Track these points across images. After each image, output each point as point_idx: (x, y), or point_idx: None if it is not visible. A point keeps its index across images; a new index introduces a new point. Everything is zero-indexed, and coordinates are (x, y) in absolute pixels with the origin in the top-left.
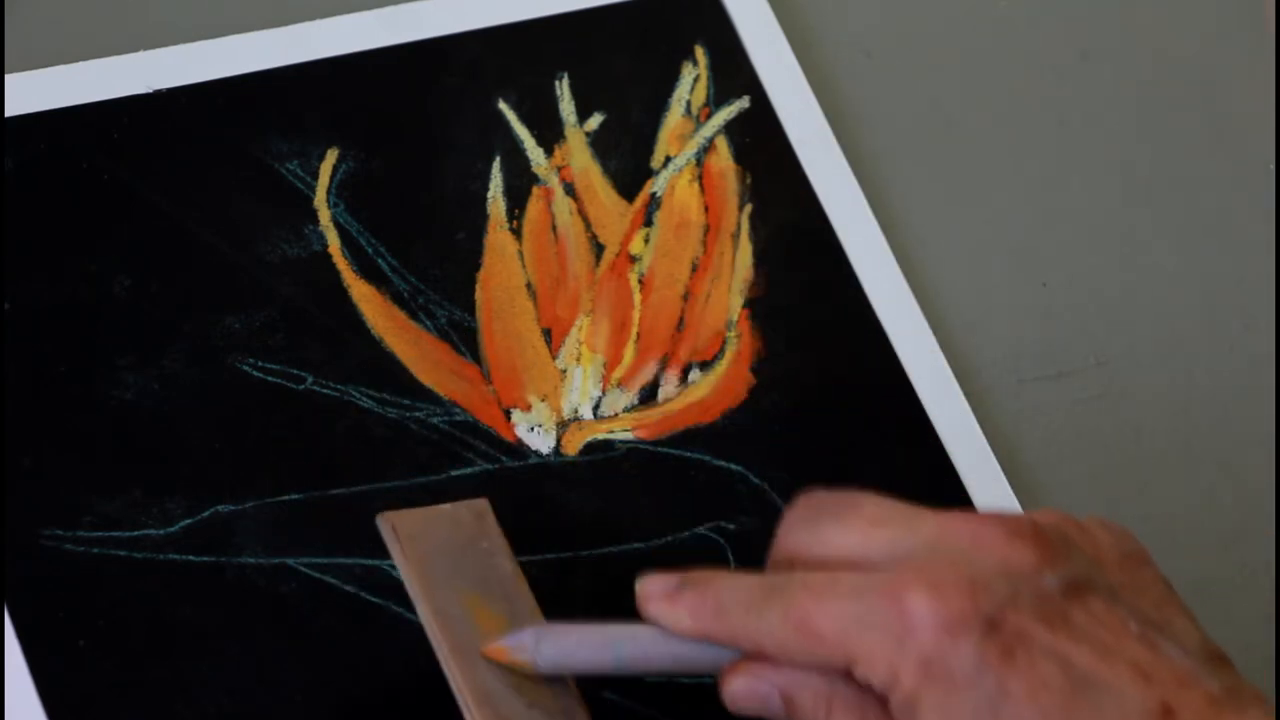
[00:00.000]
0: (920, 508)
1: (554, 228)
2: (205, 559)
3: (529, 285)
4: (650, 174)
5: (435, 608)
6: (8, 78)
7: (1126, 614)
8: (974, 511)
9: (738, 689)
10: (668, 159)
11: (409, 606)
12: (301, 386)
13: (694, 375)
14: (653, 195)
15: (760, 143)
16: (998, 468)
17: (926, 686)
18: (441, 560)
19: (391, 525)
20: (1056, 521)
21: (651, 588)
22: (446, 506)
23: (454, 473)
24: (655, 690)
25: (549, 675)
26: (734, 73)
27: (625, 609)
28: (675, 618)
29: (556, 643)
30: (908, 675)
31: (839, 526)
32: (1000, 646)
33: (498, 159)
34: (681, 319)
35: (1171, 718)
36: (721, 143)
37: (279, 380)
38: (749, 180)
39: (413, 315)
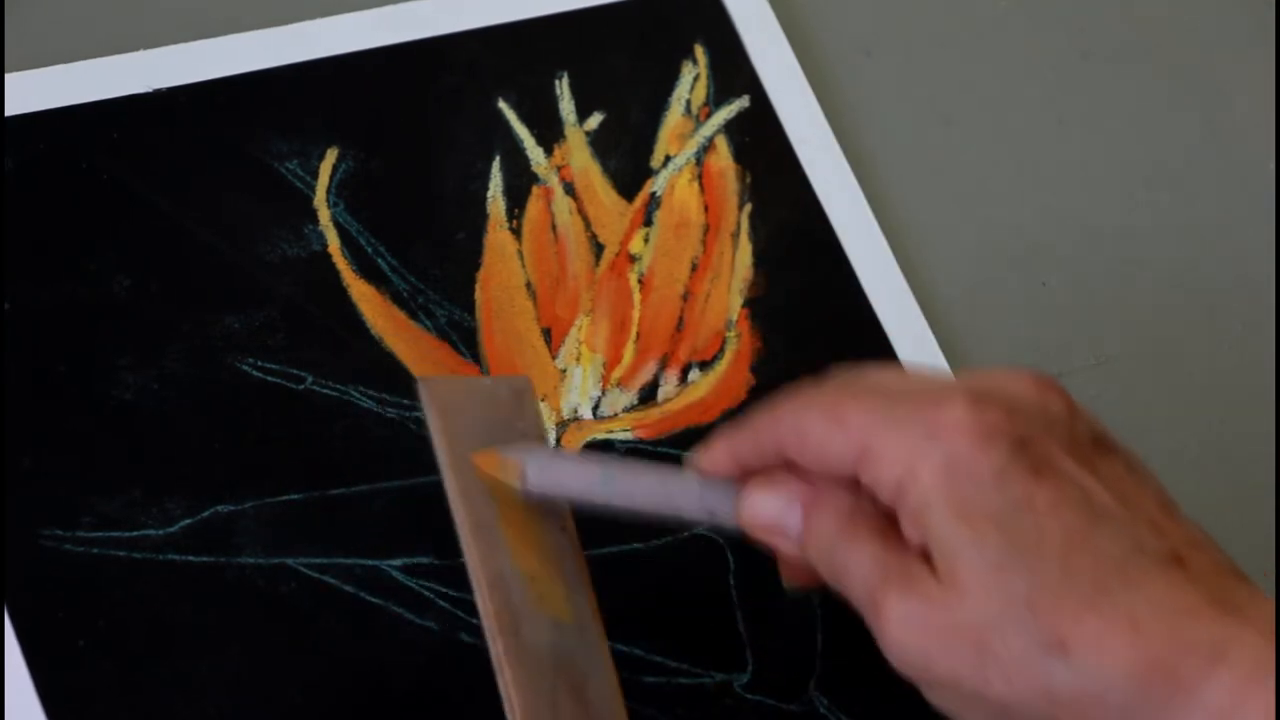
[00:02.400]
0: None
1: (554, 227)
2: (205, 559)
3: (529, 285)
4: (650, 173)
5: (461, 484)
6: (8, 78)
7: (1144, 479)
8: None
9: (758, 503)
10: (667, 158)
11: (409, 606)
12: (301, 386)
13: (694, 375)
14: (652, 195)
15: (760, 142)
16: None
17: (945, 484)
18: (474, 435)
19: (430, 392)
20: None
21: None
22: (487, 380)
23: None
24: (655, 690)
25: (540, 499)
26: (734, 72)
27: (626, 610)
28: (720, 448)
29: (550, 464)
30: (927, 472)
31: (884, 372)
32: (1029, 462)
33: (497, 159)
34: (681, 319)
35: (1181, 565)
36: (721, 142)
37: (279, 380)
38: (749, 180)
39: (413, 315)
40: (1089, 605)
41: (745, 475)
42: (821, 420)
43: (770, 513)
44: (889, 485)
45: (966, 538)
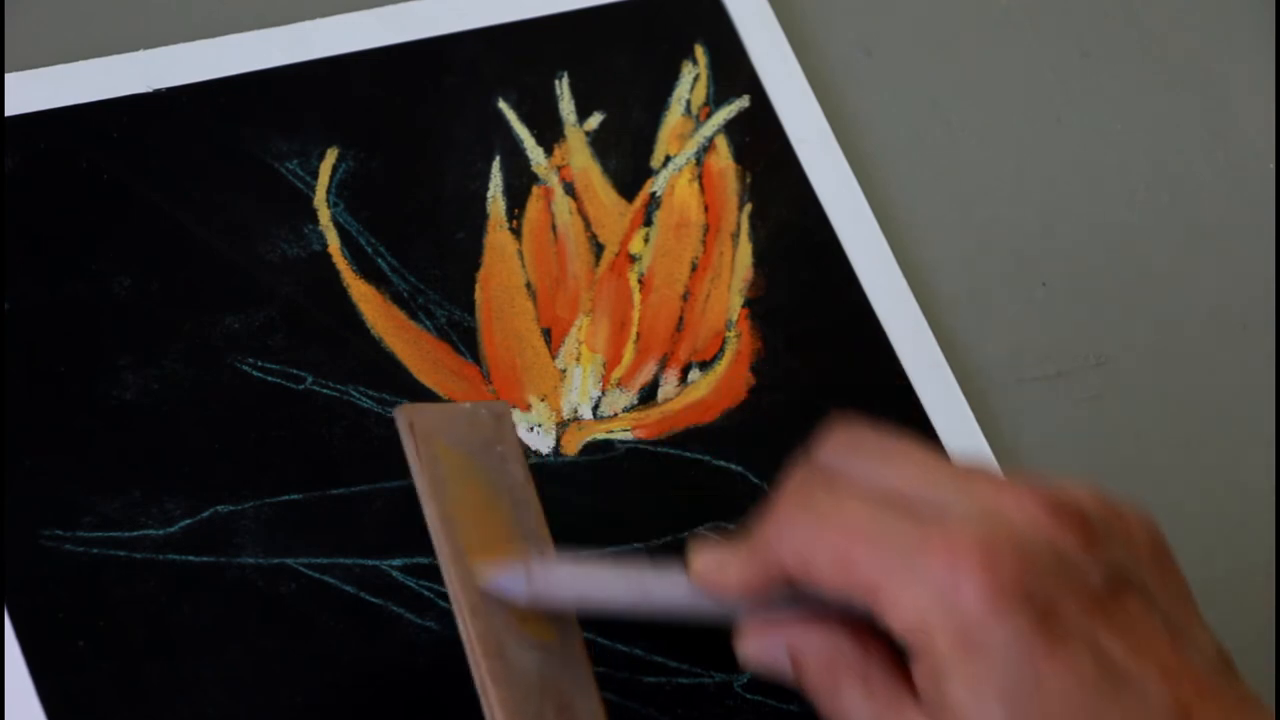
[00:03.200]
0: (966, 466)
1: (554, 227)
2: (205, 559)
3: (529, 285)
4: (650, 173)
5: (441, 512)
6: (8, 78)
7: (1158, 616)
8: (1019, 480)
9: (752, 649)
10: (668, 158)
11: (409, 606)
12: (301, 386)
13: (694, 375)
14: (652, 195)
15: (760, 142)
16: (998, 468)
17: (960, 653)
18: (454, 461)
19: (408, 420)
20: (1097, 506)
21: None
22: (466, 405)
23: None
24: (655, 690)
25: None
26: (734, 72)
27: None
28: (720, 569)
29: (548, 579)
30: (943, 640)
31: (886, 465)
32: (1044, 630)
33: (497, 158)
34: (681, 319)
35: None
36: (721, 142)
37: (279, 380)
38: (749, 180)
39: (412, 315)
40: None
41: (751, 593)
42: (829, 562)
43: (764, 660)
44: (900, 633)
45: (976, 708)
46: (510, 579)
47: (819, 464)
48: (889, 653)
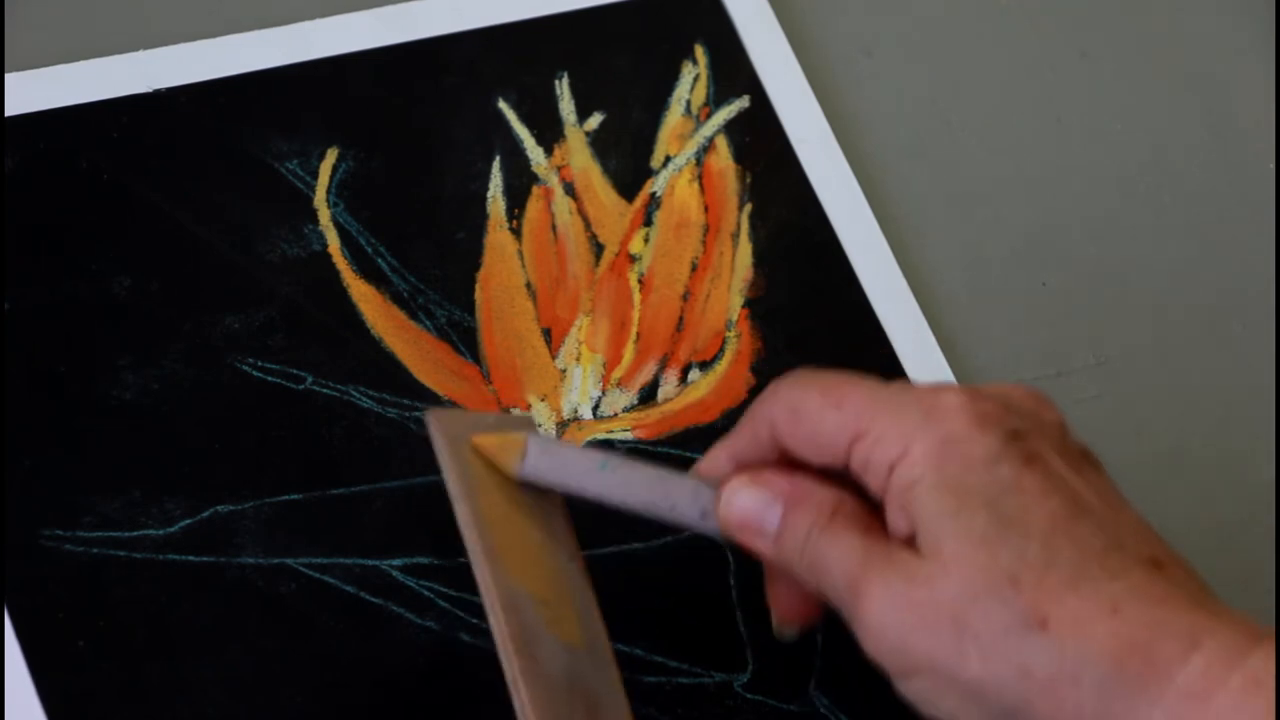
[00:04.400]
0: None
1: (554, 227)
2: (205, 559)
3: (529, 285)
4: (650, 173)
5: (473, 513)
6: (8, 78)
7: (1124, 498)
8: None
9: (738, 498)
10: (668, 158)
11: (409, 606)
12: (301, 386)
13: (694, 375)
14: (652, 195)
15: (760, 143)
16: None
17: (938, 460)
18: (482, 466)
19: (440, 424)
20: None
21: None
22: (492, 415)
23: None
24: (655, 690)
25: (536, 485)
26: (734, 73)
27: (626, 610)
28: (715, 449)
29: (549, 447)
30: (921, 448)
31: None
32: (1021, 451)
33: (498, 159)
34: (681, 319)
35: (1159, 567)
36: (721, 142)
37: (279, 380)
38: (749, 180)
39: (412, 315)
40: (1070, 586)
41: (740, 453)
42: (819, 399)
43: (749, 508)
44: (881, 466)
45: (953, 511)
46: (509, 445)
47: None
48: (878, 514)
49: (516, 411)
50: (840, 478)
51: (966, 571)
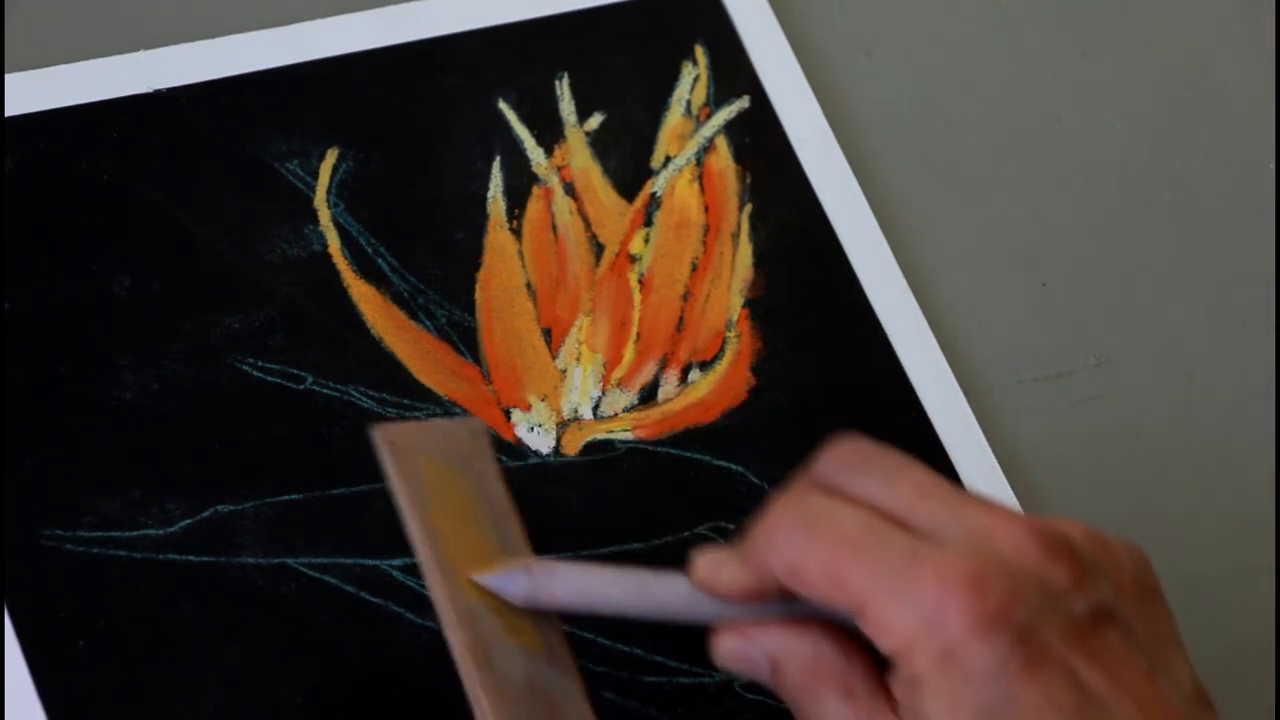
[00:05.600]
0: (963, 491)
1: (554, 227)
2: (205, 559)
3: (529, 285)
4: (650, 174)
5: (424, 526)
6: (8, 78)
7: (1138, 649)
8: (1012, 511)
9: (728, 650)
10: (668, 159)
11: (409, 606)
12: (301, 386)
13: (694, 375)
14: (653, 195)
15: (760, 143)
16: (998, 468)
17: (940, 672)
18: (434, 478)
19: (386, 438)
20: (1086, 540)
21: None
22: (444, 422)
23: None
24: (655, 690)
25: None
26: (734, 73)
27: None
28: (716, 569)
29: (549, 578)
30: (923, 657)
31: (884, 484)
32: (1024, 656)
33: (498, 159)
34: (681, 319)
35: None
36: (721, 143)
37: (279, 380)
38: (749, 180)
39: (413, 315)
40: None
41: (743, 594)
42: (819, 574)
43: (740, 661)
44: (886, 650)
45: None
46: (510, 577)
47: (817, 475)
48: (870, 663)
49: (516, 413)
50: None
51: None
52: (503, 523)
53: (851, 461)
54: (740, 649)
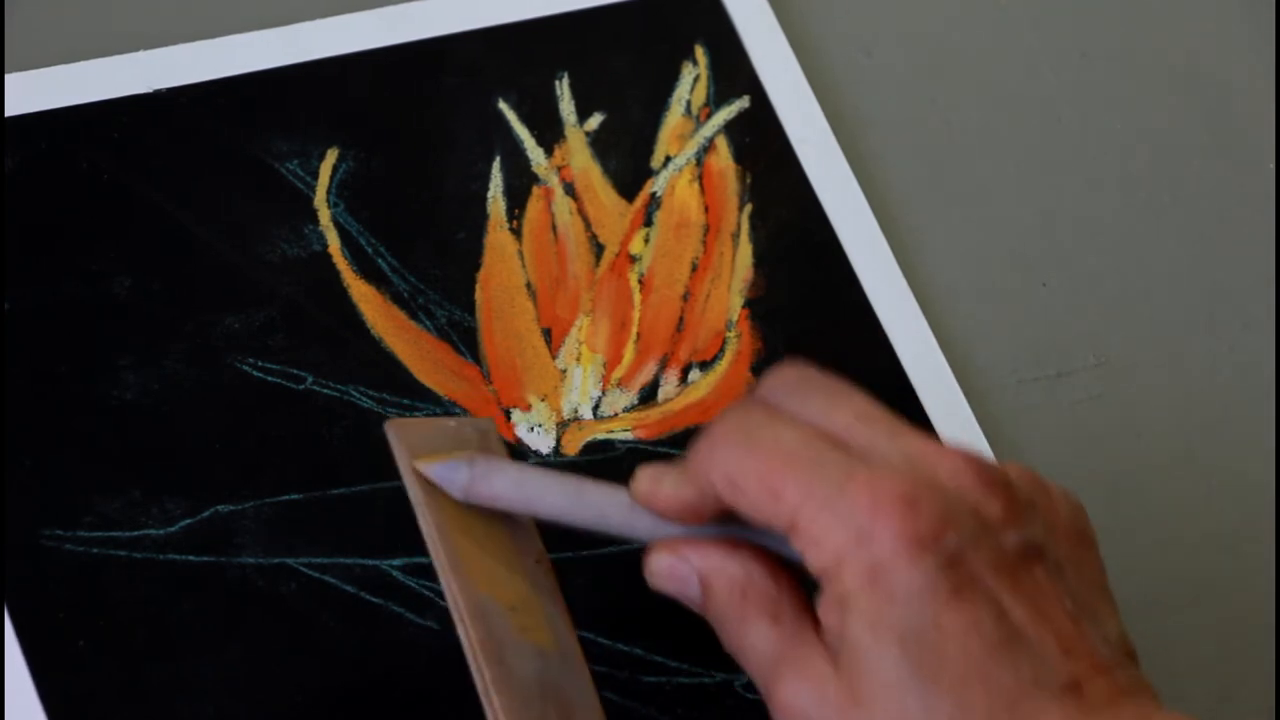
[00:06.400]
0: (903, 421)
1: (554, 228)
2: (205, 559)
3: (529, 285)
4: (650, 174)
5: (437, 522)
6: (8, 78)
7: (1064, 590)
8: (952, 444)
9: (660, 566)
10: (668, 159)
11: (409, 606)
12: (301, 386)
13: (694, 375)
14: (653, 195)
15: (760, 143)
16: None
17: (866, 590)
18: None
19: (399, 434)
20: (1024, 479)
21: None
22: (453, 421)
23: None
24: (655, 690)
25: (480, 506)
26: (734, 73)
27: (625, 610)
28: (656, 481)
29: (489, 475)
30: (851, 573)
31: (826, 406)
32: (950, 581)
33: (498, 159)
34: (681, 319)
35: (1078, 692)
36: (721, 143)
37: (279, 380)
38: (749, 180)
39: (413, 315)
40: None
41: (681, 509)
42: (756, 487)
43: (671, 579)
44: (814, 566)
45: (873, 650)
46: (452, 467)
47: (761, 396)
48: (799, 589)
49: (516, 413)
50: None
51: (875, 711)
52: (515, 518)
53: (796, 385)
54: (672, 565)
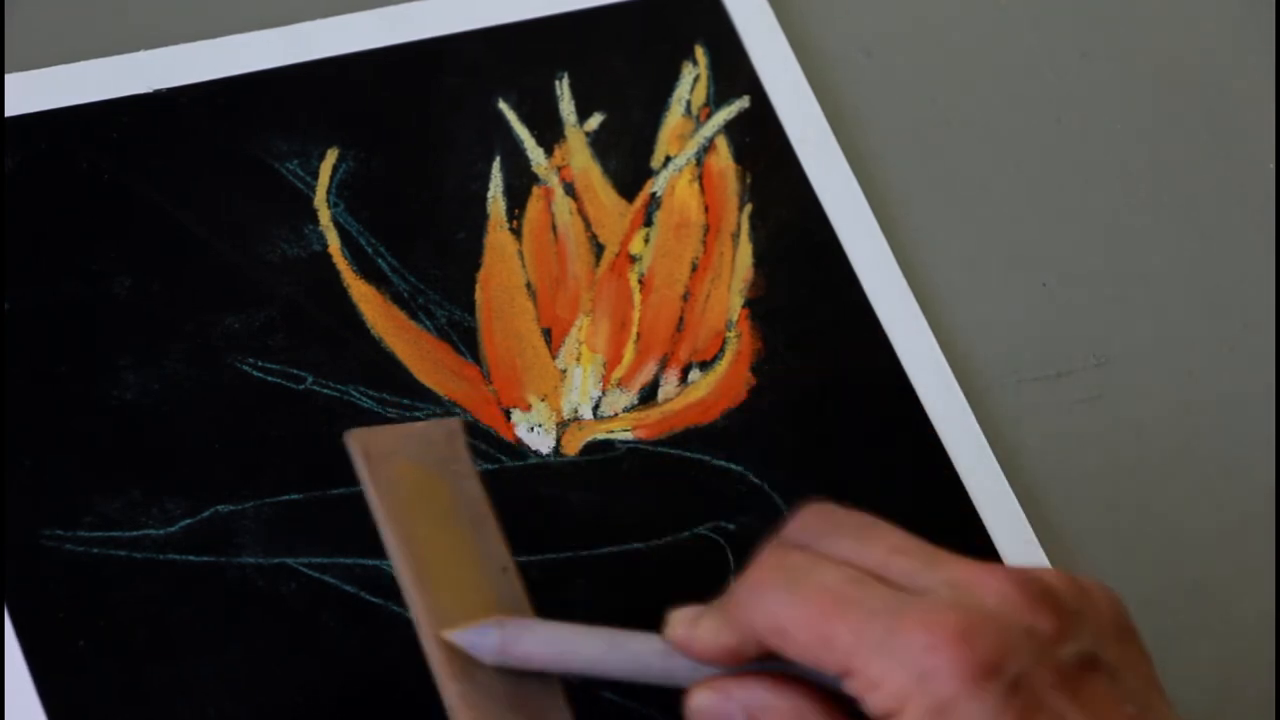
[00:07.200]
0: (938, 548)
1: (554, 228)
2: (205, 559)
3: (529, 285)
4: (650, 174)
5: (400, 536)
6: (8, 78)
7: (1124, 694)
8: (989, 563)
9: (703, 704)
10: (668, 159)
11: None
12: (301, 386)
13: (694, 375)
14: (653, 195)
15: (760, 143)
16: (998, 468)
17: None
18: (410, 482)
19: (360, 444)
20: (1066, 587)
21: (680, 613)
22: (419, 425)
23: None
24: (655, 690)
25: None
26: (734, 73)
27: (625, 609)
28: (694, 625)
29: (518, 643)
30: (915, 714)
31: (858, 542)
32: (1018, 707)
33: (498, 159)
34: (681, 319)
35: None
36: (721, 143)
37: (279, 380)
38: (749, 180)
39: (413, 315)
40: None
41: (721, 654)
42: (806, 635)
43: (714, 715)
44: (876, 710)
45: None
46: (481, 633)
47: (789, 539)
48: None
49: (516, 413)
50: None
51: None
52: (481, 525)
53: (822, 524)
54: (716, 705)
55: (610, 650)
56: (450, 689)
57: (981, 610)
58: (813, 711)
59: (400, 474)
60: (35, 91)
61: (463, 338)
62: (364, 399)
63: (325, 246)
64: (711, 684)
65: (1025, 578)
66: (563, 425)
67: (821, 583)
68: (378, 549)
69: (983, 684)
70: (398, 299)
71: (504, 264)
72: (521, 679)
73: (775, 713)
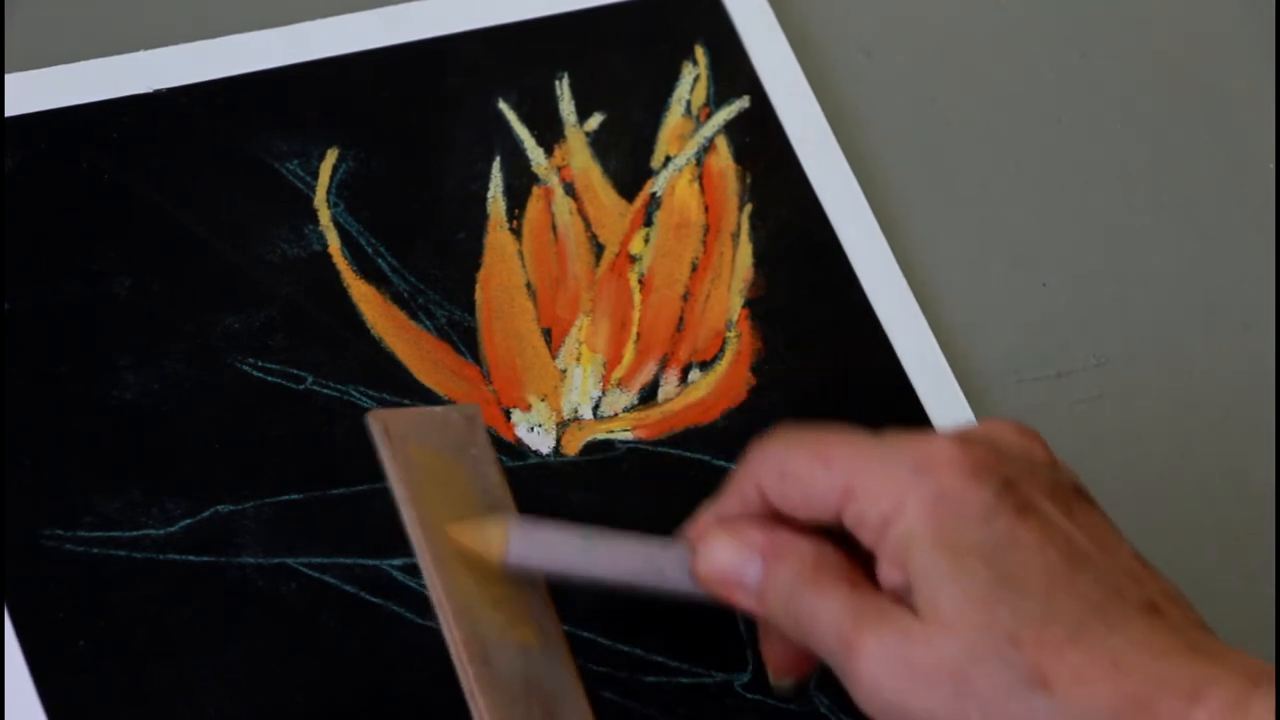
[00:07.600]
0: None
1: (554, 228)
2: (205, 559)
3: (529, 285)
4: (650, 174)
5: (419, 514)
6: (8, 78)
7: (1119, 533)
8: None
9: (715, 551)
10: (668, 159)
11: (409, 606)
12: (301, 386)
13: (694, 375)
14: (653, 195)
15: (760, 143)
16: None
17: (934, 519)
18: (429, 464)
19: (382, 424)
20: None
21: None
22: (438, 409)
23: None
24: (655, 690)
25: (519, 578)
26: (734, 73)
27: (625, 610)
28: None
29: (531, 534)
30: (915, 505)
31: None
32: (1015, 502)
33: (498, 159)
34: (681, 319)
35: (1158, 613)
36: (721, 143)
37: (279, 380)
38: (749, 180)
39: (413, 315)
40: (1072, 642)
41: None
42: (806, 458)
43: (727, 562)
44: (873, 522)
45: (951, 570)
46: (494, 525)
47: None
48: (863, 567)
49: (516, 413)
50: (828, 532)
51: (966, 631)
52: (500, 509)
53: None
54: (729, 545)
55: (624, 551)
56: (469, 673)
57: (976, 431)
58: (832, 549)
59: (419, 455)
60: (35, 91)
61: (463, 338)
62: (364, 399)
63: (325, 246)
64: (726, 526)
65: (1016, 421)
66: (563, 425)
67: (820, 431)
68: (378, 549)
69: (981, 476)
70: (398, 299)
71: (504, 264)
72: (537, 665)
73: (795, 549)
